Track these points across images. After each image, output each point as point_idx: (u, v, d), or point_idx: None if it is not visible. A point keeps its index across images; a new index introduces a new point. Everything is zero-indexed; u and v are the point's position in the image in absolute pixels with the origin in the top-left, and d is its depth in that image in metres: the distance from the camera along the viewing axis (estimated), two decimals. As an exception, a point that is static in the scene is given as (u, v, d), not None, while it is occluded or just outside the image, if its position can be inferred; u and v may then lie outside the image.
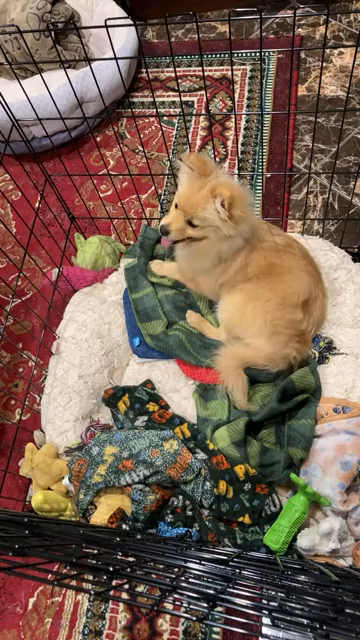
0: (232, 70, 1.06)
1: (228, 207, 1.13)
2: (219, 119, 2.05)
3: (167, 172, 1.96)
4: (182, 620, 1.20)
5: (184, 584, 0.55)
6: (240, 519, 1.17)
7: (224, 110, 2.08)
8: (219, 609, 0.98)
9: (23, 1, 1.93)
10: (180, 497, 1.21)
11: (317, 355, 1.34)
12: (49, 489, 1.30)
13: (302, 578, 0.78)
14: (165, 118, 2.11)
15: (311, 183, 1.82)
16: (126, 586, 1.13)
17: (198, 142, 2.02)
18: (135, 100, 2.20)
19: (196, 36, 2.31)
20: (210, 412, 1.32)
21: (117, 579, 0.54)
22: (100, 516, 1.17)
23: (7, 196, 2.01)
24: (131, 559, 0.63)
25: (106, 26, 0.99)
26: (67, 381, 1.39)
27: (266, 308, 1.25)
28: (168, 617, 1.21)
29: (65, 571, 0.53)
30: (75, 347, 1.44)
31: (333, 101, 1.99)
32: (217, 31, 2.33)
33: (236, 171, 1.88)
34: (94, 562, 0.57)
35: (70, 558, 0.52)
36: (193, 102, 2.13)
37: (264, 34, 2.24)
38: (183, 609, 1.14)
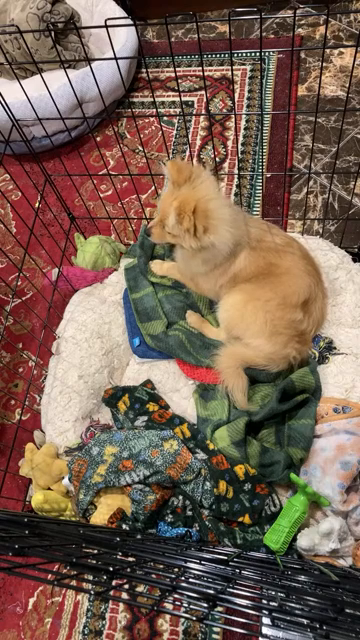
0: (232, 70, 1.06)
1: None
2: (219, 119, 2.05)
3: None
4: (182, 620, 1.20)
5: (184, 584, 0.55)
6: (240, 519, 1.17)
7: (224, 110, 2.08)
8: (219, 609, 0.99)
9: (23, 1, 1.93)
10: (180, 497, 1.21)
11: (317, 355, 1.34)
12: (49, 489, 1.30)
13: (302, 578, 0.78)
14: (165, 118, 2.11)
15: (311, 183, 1.82)
16: (126, 586, 1.13)
17: (198, 142, 2.02)
18: (135, 100, 2.20)
19: (196, 36, 2.31)
20: (210, 412, 1.32)
21: (117, 579, 0.54)
22: (100, 516, 1.17)
23: (7, 196, 2.01)
24: (131, 559, 0.63)
25: (106, 26, 0.99)
26: (67, 381, 1.39)
27: (266, 308, 1.25)
28: (168, 617, 1.21)
29: (65, 571, 0.53)
30: (75, 347, 1.44)
31: (333, 101, 1.99)
32: (217, 31, 2.33)
33: (236, 171, 1.88)
34: (94, 562, 0.57)
35: (70, 558, 0.52)
36: (193, 102, 2.13)
37: (264, 34, 2.24)
38: (183, 609, 1.14)
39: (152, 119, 2.10)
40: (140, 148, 2.04)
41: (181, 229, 1.17)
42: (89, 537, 0.73)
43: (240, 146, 1.96)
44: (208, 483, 1.18)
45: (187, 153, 1.99)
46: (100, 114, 2.05)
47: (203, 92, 2.13)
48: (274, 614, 0.51)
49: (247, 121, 2.02)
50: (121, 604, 1.24)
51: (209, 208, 1.16)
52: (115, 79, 1.97)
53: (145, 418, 1.33)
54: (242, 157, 1.93)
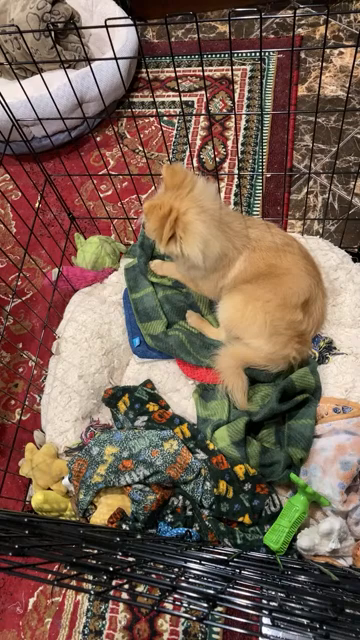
0: (232, 70, 1.06)
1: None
2: (219, 119, 2.05)
3: (167, 172, 1.96)
4: (182, 620, 1.20)
5: (184, 584, 0.55)
6: (240, 519, 1.17)
7: (224, 110, 2.08)
8: (219, 609, 0.98)
9: (23, 1, 1.93)
10: (180, 497, 1.21)
11: (317, 355, 1.34)
12: (49, 489, 1.30)
13: (302, 578, 0.78)
14: (165, 118, 2.11)
15: (311, 183, 1.82)
16: (126, 586, 1.13)
17: (198, 142, 2.02)
18: (135, 100, 2.20)
19: (196, 36, 2.31)
20: (210, 412, 1.32)
21: (117, 579, 0.54)
22: (100, 516, 1.17)
23: (7, 196, 2.01)
24: (131, 559, 0.63)
25: (106, 26, 0.99)
26: (67, 381, 1.39)
27: (266, 309, 1.25)
28: (168, 617, 1.21)
29: (65, 571, 0.53)
30: (75, 347, 1.44)
31: (333, 101, 1.99)
32: (217, 31, 2.33)
33: (236, 171, 1.88)
34: (94, 562, 0.57)
35: (70, 558, 0.52)
36: (193, 102, 2.13)
37: (264, 34, 2.24)
38: (183, 609, 1.14)
39: (152, 119, 2.10)
40: (140, 148, 2.04)
41: (148, 229, 1.20)
42: (89, 537, 0.73)
43: (240, 146, 1.96)
44: (208, 483, 1.18)
45: (187, 153, 1.99)
46: (100, 114, 2.05)
47: (203, 92, 2.13)
48: (274, 614, 0.51)
49: (247, 121, 2.02)
50: (121, 604, 1.24)
51: (181, 218, 1.15)
52: (115, 79, 1.97)
53: (145, 418, 1.33)
54: (242, 157, 1.93)
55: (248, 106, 2.05)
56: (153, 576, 0.58)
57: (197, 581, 0.62)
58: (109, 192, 1.96)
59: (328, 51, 2.10)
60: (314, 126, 1.27)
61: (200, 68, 2.18)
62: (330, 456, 1.17)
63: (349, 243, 1.58)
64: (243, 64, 2.17)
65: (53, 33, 1.93)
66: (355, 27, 2.15)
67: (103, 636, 1.21)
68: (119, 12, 2.15)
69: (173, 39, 2.35)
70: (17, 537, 0.59)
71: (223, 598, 0.52)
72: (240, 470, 1.20)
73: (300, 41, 2.17)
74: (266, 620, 0.52)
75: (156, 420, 1.32)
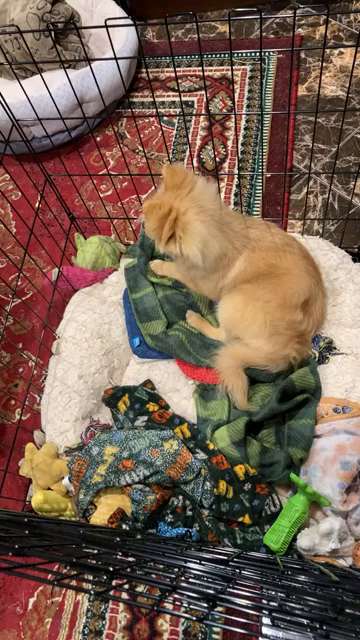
0: (232, 70, 1.06)
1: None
2: (219, 119, 2.05)
3: (167, 172, 1.96)
4: (182, 620, 1.20)
5: (184, 584, 0.55)
6: (240, 519, 1.17)
7: (224, 110, 2.08)
8: (219, 609, 0.98)
9: (23, 1, 1.93)
10: (180, 497, 1.21)
11: (317, 355, 1.34)
12: (49, 489, 1.30)
13: (302, 578, 0.78)
14: (165, 118, 2.11)
15: (311, 183, 1.82)
16: (126, 586, 1.13)
17: (198, 142, 2.02)
18: (135, 100, 2.20)
19: (196, 36, 2.31)
20: (210, 412, 1.32)
21: (117, 579, 0.54)
22: (100, 516, 1.17)
23: (7, 196, 2.01)
24: (131, 559, 0.63)
25: (106, 26, 0.99)
26: (67, 381, 1.39)
27: (266, 309, 1.25)
28: (168, 617, 1.21)
29: (65, 571, 0.53)
30: (75, 347, 1.44)
31: (333, 101, 1.99)
32: (217, 31, 2.33)
33: (236, 171, 1.88)
34: (94, 562, 0.57)
35: (70, 558, 0.52)
36: (193, 102, 2.13)
37: (264, 34, 2.24)
38: (183, 609, 1.14)
39: (152, 119, 2.10)
40: (140, 148, 2.04)
41: (148, 229, 1.20)
42: (89, 537, 0.73)
43: (240, 146, 1.96)
44: (208, 483, 1.18)
45: (187, 153, 1.99)
46: (100, 114, 2.05)
47: (203, 92, 2.13)
48: (274, 614, 0.51)
49: (247, 121, 2.02)
50: (121, 604, 1.24)
51: (181, 218, 1.15)
52: (115, 79, 1.97)
53: (145, 418, 1.33)
54: (242, 157, 1.93)
55: (248, 106, 2.05)
56: (153, 576, 0.58)
57: (197, 581, 0.62)
58: (109, 192, 1.96)
59: (328, 51, 2.10)
60: (314, 126, 1.27)
61: (200, 68, 2.18)
62: (330, 456, 1.17)
63: (349, 243, 1.58)
64: (243, 64, 2.17)
65: (53, 33, 1.93)
66: (355, 27, 2.15)
67: (103, 636, 1.21)
68: (119, 12, 2.15)
69: (173, 39, 2.35)
70: (17, 537, 0.59)
71: (223, 598, 0.52)
72: (240, 470, 1.20)
73: (300, 41, 2.17)
74: (266, 620, 0.52)
75: (156, 420, 1.32)
